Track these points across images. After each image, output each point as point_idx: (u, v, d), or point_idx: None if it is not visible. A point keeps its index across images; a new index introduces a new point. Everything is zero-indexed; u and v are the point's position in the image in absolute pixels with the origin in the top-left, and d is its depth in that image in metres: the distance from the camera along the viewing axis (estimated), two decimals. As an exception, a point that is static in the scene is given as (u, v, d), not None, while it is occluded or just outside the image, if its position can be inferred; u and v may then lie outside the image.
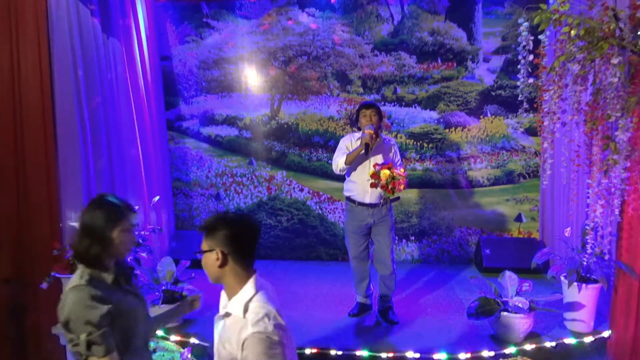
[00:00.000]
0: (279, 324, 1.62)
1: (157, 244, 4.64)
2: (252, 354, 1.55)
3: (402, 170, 3.37)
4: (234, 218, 1.72)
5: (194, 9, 5.21)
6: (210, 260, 1.68)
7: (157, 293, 3.46)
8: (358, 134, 3.54)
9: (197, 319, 3.55)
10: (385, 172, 3.30)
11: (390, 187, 3.30)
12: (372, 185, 3.35)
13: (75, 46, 3.64)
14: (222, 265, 1.67)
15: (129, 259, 3.51)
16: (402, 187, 3.33)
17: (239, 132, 5.33)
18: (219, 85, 5.30)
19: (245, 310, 1.64)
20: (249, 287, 1.68)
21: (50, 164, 3.45)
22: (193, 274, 3.67)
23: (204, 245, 1.70)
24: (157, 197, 4.45)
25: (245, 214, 1.79)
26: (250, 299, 1.65)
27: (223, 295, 1.77)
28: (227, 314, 1.69)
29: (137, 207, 4.16)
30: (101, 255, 1.80)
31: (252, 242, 1.72)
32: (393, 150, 3.62)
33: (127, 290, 1.89)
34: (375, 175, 3.33)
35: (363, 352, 3.12)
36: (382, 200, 3.50)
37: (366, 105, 3.53)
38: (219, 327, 1.76)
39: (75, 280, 1.79)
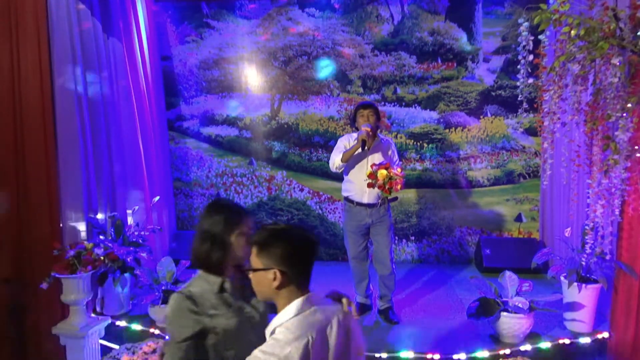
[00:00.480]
0: None
1: (157, 244, 4.65)
2: None
3: (399, 170, 3.36)
4: (290, 232, 1.55)
5: (194, 9, 5.21)
6: (266, 280, 1.51)
7: (157, 293, 3.46)
8: (356, 135, 3.54)
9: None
10: (382, 172, 3.28)
11: (387, 187, 3.28)
12: (369, 185, 3.34)
13: (75, 46, 3.65)
14: (280, 287, 1.50)
15: (128, 259, 3.51)
16: (399, 187, 3.31)
17: (239, 132, 5.33)
18: (219, 85, 5.30)
19: (272, 333, 1.50)
20: (290, 309, 1.51)
21: (50, 164, 3.45)
22: (193, 275, 3.66)
23: (257, 262, 1.53)
24: (158, 197, 4.46)
25: (300, 226, 1.65)
26: (282, 324, 1.49)
27: None
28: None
29: (137, 208, 4.17)
30: (222, 260, 1.77)
31: (312, 259, 1.57)
32: (391, 150, 3.62)
33: (234, 306, 1.78)
34: (373, 175, 3.31)
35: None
36: (380, 200, 3.50)
37: (363, 106, 3.53)
38: None
39: (186, 284, 1.79)
